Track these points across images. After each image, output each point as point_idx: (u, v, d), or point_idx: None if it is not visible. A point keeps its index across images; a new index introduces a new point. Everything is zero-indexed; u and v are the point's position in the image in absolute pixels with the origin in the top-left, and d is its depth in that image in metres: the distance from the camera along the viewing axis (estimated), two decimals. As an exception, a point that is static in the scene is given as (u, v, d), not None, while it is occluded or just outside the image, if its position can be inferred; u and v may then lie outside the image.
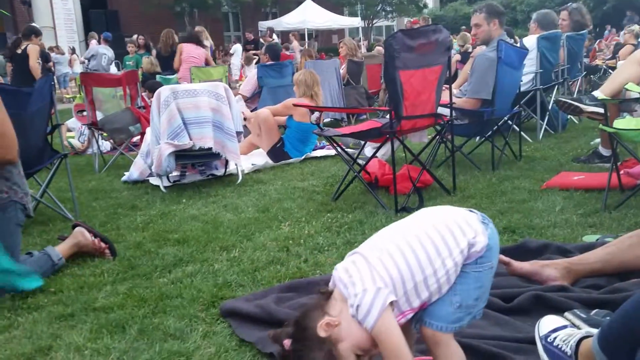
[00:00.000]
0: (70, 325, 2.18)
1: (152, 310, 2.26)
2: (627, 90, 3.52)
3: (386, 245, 1.37)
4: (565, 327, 1.40)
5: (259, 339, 1.91)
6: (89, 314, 2.27)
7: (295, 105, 5.10)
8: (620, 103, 3.70)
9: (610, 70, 9.69)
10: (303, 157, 5.43)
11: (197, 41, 8.19)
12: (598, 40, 12.84)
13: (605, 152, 4.23)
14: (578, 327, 1.42)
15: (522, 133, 5.04)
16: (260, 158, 5.46)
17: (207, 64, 8.45)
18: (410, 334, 1.46)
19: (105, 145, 6.35)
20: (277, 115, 5.62)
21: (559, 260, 2.24)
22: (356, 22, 24.69)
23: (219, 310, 2.19)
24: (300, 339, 1.34)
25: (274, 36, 15.03)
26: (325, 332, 1.30)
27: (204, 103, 4.43)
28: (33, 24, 10.14)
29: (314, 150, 5.65)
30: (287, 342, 1.36)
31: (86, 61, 13.56)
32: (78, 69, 16.22)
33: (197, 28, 9.36)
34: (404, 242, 1.35)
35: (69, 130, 7.14)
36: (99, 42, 14.55)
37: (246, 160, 5.23)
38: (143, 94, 6.70)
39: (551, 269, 2.17)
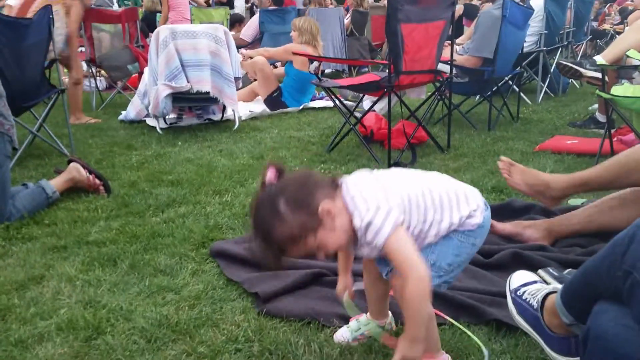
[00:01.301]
0: (63, 257, 2.24)
1: (144, 246, 2.32)
2: (627, 57, 3.50)
3: (397, 179, 1.37)
4: (535, 282, 1.46)
5: (245, 279, 1.98)
6: (81, 247, 2.34)
7: (295, 53, 5.04)
8: (619, 69, 3.68)
9: (617, 36, 9.55)
10: (301, 107, 5.42)
11: None
12: (608, 4, 12.58)
13: (601, 118, 4.24)
14: (548, 284, 1.49)
15: (521, 94, 5.03)
16: (257, 105, 5.44)
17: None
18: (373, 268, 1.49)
19: (101, 82, 6.29)
20: (274, 58, 5.55)
21: (540, 221, 2.30)
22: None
23: (209, 251, 2.26)
24: (300, 194, 1.26)
25: None
26: (321, 212, 1.25)
27: (203, 45, 4.38)
28: None
29: (312, 100, 5.63)
30: (272, 175, 1.28)
31: None
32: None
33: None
34: (414, 186, 1.36)
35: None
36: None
37: (243, 106, 5.22)
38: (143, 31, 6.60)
39: (532, 230, 2.23)
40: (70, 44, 4.83)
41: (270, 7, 7.72)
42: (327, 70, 7.72)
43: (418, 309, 1.25)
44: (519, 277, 1.49)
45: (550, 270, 1.55)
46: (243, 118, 4.90)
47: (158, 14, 7.72)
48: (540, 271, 1.56)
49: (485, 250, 2.15)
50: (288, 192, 1.26)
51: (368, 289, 1.60)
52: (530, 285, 1.45)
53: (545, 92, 5.72)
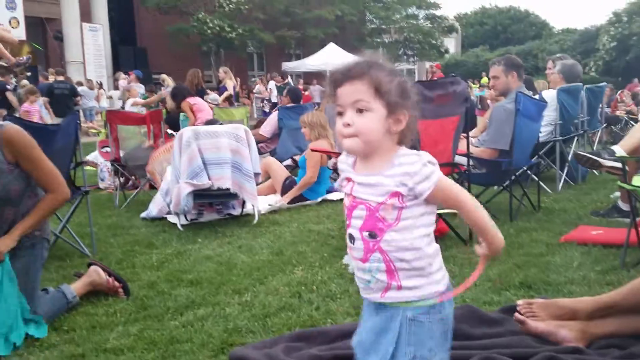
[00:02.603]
0: (80, 366, 2.19)
1: (162, 354, 2.26)
2: (646, 147, 3.51)
3: None
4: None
5: (266, 390, 1.89)
6: (99, 354, 2.29)
7: (314, 150, 5.14)
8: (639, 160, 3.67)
9: (632, 122, 9.65)
10: (320, 199, 5.45)
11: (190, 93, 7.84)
12: (620, 91, 12.83)
13: (624, 206, 4.17)
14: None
15: (540, 183, 5.01)
16: (277, 199, 5.49)
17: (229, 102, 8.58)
18: None
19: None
20: (313, 178, 5.45)
21: (574, 322, 2.20)
22: (378, 65, 25.03)
23: (228, 358, 2.19)
24: (410, 92, 1.42)
25: (288, 78, 15.23)
26: (401, 112, 1.39)
27: (224, 144, 4.51)
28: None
29: (331, 192, 5.66)
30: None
31: (120, 102, 14.06)
32: (105, 103, 16.66)
33: (222, 69, 9.58)
34: None
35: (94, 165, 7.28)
36: (128, 80, 14.98)
37: (263, 200, 5.27)
38: (167, 131, 6.83)
39: (566, 330, 2.13)
40: None
41: (288, 105, 7.99)
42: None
43: (491, 224, 1.42)
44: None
45: (590, 380, 1.46)
46: (262, 212, 4.93)
47: (181, 114, 8.01)
48: (579, 382, 1.47)
49: (518, 353, 2.05)
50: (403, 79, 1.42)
51: None
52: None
53: (565, 180, 5.70)
